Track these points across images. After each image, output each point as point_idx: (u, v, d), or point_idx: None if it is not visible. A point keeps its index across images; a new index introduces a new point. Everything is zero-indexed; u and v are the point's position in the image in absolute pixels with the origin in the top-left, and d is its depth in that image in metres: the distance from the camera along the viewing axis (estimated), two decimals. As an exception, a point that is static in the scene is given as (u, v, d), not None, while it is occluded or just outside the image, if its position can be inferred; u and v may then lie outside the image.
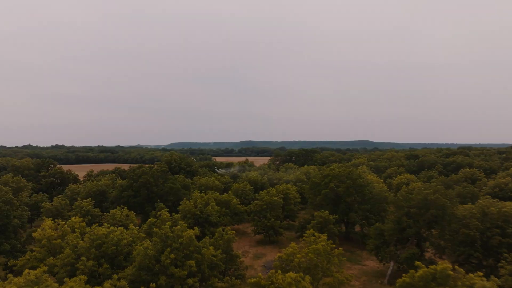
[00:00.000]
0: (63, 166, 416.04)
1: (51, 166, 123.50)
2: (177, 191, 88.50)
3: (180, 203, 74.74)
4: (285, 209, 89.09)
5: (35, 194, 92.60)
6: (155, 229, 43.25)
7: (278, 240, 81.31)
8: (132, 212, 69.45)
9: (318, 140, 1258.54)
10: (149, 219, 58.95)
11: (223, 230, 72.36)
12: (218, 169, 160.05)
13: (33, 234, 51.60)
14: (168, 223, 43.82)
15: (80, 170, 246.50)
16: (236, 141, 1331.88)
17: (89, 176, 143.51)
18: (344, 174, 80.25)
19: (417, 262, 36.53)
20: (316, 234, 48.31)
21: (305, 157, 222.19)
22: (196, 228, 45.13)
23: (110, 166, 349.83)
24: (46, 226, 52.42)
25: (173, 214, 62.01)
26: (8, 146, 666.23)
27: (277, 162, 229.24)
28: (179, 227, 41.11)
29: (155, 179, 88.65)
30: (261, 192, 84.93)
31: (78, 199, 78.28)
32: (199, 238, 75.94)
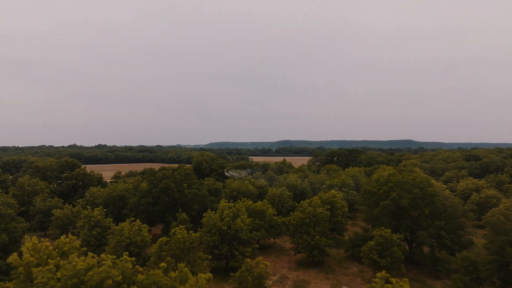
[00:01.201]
0: (102, 165, 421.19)
1: (75, 167, 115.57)
2: (203, 198, 75.62)
3: (204, 215, 61.55)
4: (331, 221, 73.48)
5: (49, 199, 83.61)
6: (139, 276, 29.55)
7: (324, 261, 65.88)
8: (145, 226, 57.14)
9: (358, 139, 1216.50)
10: (159, 240, 46.11)
11: (252, 254, 59.14)
12: (227, 171, 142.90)
13: (8, 260, 40.16)
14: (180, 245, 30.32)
15: (115, 170, 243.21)
16: (274, 140, 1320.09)
17: (116, 177, 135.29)
18: (409, 181, 63.33)
19: None
20: (393, 281, 32.61)
21: (348, 158, 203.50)
22: (208, 274, 31.00)
23: (147, 166, 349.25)
24: (25, 249, 40.78)
25: (191, 231, 48.93)
26: (55, 146, 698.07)
27: (317, 163, 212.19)
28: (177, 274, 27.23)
29: (178, 184, 76.23)
30: (302, 202, 69.81)
31: (88, 207, 67.44)
32: (227, 257, 63.05)
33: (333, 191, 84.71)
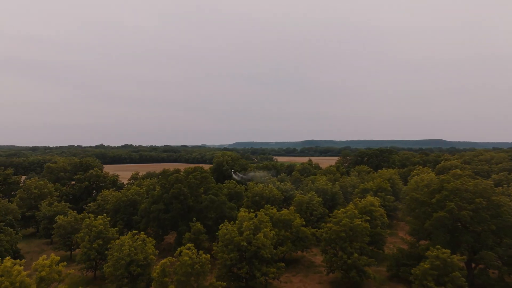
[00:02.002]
0: (126, 165, 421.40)
1: (89, 167, 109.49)
2: (220, 205, 66.38)
3: (220, 227, 52.35)
4: (370, 233, 62.57)
5: (55, 204, 76.96)
6: None
7: (363, 282, 55.20)
8: (150, 240, 48.54)
9: (385, 139, 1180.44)
10: (162, 262, 37.14)
11: (277, 274, 49.37)
12: (235, 172, 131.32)
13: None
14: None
15: (138, 170, 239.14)
16: (298, 140, 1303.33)
17: (134, 178, 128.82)
18: (470, 188, 51.68)
19: None
20: None
21: (379, 158, 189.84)
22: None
23: (170, 166, 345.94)
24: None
25: (201, 252, 39.72)
26: (83, 145, 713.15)
27: (346, 164, 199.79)
28: None
29: (192, 189, 67.42)
30: (336, 211, 59.29)
31: (90, 215, 59.70)
32: (246, 279, 53.62)
33: (369, 197, 73.71)
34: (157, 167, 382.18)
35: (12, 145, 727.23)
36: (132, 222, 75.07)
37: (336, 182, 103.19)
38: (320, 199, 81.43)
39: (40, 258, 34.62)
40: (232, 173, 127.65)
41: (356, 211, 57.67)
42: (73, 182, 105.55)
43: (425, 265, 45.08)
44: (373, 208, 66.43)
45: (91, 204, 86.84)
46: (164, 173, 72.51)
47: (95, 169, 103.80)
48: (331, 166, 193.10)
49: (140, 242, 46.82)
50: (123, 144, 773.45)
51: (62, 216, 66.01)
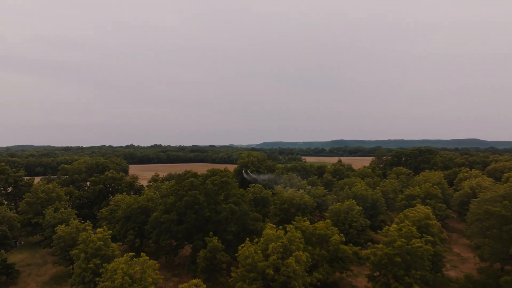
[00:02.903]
0: (154, 165, 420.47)
1: (105, 169, 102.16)
2: (242, 216, 55.78)
3: (239, 248, 41.83)
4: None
5: (61, 210, 69.11)
6: None
7: (423, 320, 42.98)
8: (152, 264, 38.68)
9: (417, 138, 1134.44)
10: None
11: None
12: (246, 171, 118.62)
13: None
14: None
15: (165, 170, 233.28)
16: (326, 140, 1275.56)
17: (154, 180, 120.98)
18: None
19: None
20: None
21: (418, 159, 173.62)
22: None
23: (197, 166, 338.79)
24: None
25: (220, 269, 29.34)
26: (114, 145, 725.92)
27: (381, 165, 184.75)
28: None
29: (210, 197, 57.32)
30: (387, 228, 47.41)
31: (88, 228, 50.86)
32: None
33: (420, 207, 61.20)
34: (184, 167, 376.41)
35: (48, 145, 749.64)
36: (144, 232, 66.09)
37: (377, 187, 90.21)
38: (360, 208, 69.29)
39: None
40: (243, 172, 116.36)
41: (413, 228, 45.40)
42: (89, 184, 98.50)
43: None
44: (429, 222, 53.87)
45: (103, 209, 78.97)
46: (179, 177, 62.88)
47: (111, 170, 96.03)
48: (365, 167, 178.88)
49: (138, 268, 37.08)
50: (153, 144, 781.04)
51: (63, 225, 57.73)
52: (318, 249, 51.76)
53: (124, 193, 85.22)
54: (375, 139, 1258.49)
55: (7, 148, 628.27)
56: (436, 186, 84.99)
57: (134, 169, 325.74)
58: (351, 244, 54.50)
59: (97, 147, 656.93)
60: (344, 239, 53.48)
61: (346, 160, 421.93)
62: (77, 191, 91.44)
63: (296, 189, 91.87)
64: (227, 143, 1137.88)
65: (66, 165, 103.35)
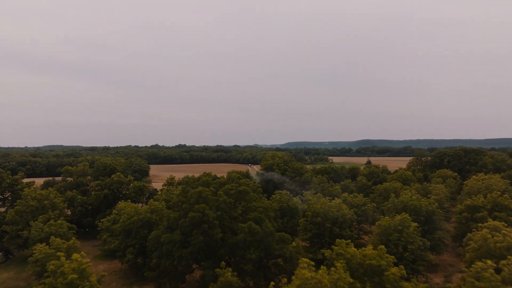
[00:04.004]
0: (177, 165, 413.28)
1: (112, 171, 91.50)
2: (266, 238, 42.45)
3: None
4: None
5: (50, 222, 58.22)
6: None
7: None
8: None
9: (447, 138, 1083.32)
10: None
11: None
12: (251, 166, 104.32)
13: None
14: None
15: (187, 171, 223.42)
16: (352, 140, 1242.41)
17: (168, 184, 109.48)
18: None
19: None
20: None
21: (463, 160, 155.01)
22: None
23: (220, 166, 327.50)
24: None
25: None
26: (140, 145, 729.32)
27: (419, 166, 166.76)
28: None
29: (223, 211, 44.41)
30: (478, 264, 32.90)
31: (60, 255, 39.05)
32: None
33: (496, 223, 46.49)
34: (206, 168, 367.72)
35: (77, 145, 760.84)
36: (146, 250, 54.19)
37: (432, 196, 74.51)
38: (416, 225, 54.45)
39: None
40: (249, 167, 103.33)
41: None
42: (94, 189, 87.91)
43: None
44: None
45: (104, 219, 67.89)
46: (187, 185, 50.40)
47: (117, 173, 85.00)
48: (402, 169, 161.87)
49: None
50: (177, 144, 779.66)
51: (43, 244, 46.47)
52: (368, 285, 37.92)
53: (129, 200, 73.85)
54: (402, 139, 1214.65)
55: (37, 148, 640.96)
56: (506, 195, 68.67)
57: (155, 170, 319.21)
58: (414, 280, 40.10)
59: (123, 147, 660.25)
60: (404, 271, 39.27)
61: (375, 160, 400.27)
62: (79, 197, 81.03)
63: (330, 197, 77.93)
64: (251, 143, 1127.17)
65: (70, 167, 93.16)
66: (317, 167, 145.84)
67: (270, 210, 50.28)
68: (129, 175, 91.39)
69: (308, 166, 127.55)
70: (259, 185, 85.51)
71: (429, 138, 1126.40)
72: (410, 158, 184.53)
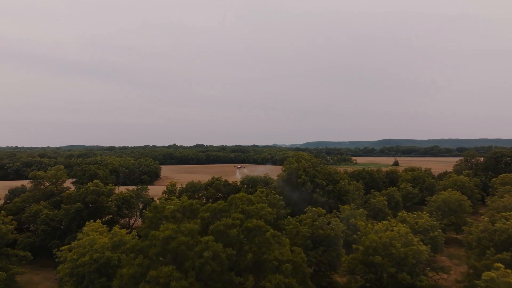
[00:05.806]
0: (192, 166, 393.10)
1: (93, 177, 71.68)
2: None
3: None
4: None
5: None
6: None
7: None
8: None
9: (474, 138, 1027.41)
10: None
11: None
12: (239, 167, 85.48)
13: None
14: None
15: (203, 172, 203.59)
16: (374, 139, 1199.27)
17: (169, 192, 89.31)
18: None
19: None
20: None
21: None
22: None
23: (237, 167, 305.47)
24: None
25: None
26: (158, 145, 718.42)
27: (468, 170, 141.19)
28: None
29: (209, 278, 23.16)
30: None
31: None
32: None
33: None
34: (222, 168, 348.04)
35: (97, 145, 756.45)
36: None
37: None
38: None
39: None
40: (237, 169, 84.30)
41: None
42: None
43: None
44: None
45: (65, 247, 47.87)
46: (157, 210, 29.33)
47: (95, 181, 65.04)
48: (449, 172, 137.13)
49: None
50: (195, 144, 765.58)
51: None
52: None
53: (110, 216, 53.80)
54: (427, 138, 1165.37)
55: (58, 148, 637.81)
56: None
57: (169, 171, 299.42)
58: None
59: (141, 147, 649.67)
60: None
61: (401, 161, 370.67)
62: (45, 211, 61.58)
63: (374, 213, 55.59)
64: (270, 143, 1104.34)
65: (39, 172, 73.90)
66: (349, 170, 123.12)
67: (301, 260, 28.40)
68: (110, 183, 71.09)
69: (340, 171, 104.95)
70: (281, 199, 63.94)
71: (455, 138, 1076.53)
72: (438, 158, 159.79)
